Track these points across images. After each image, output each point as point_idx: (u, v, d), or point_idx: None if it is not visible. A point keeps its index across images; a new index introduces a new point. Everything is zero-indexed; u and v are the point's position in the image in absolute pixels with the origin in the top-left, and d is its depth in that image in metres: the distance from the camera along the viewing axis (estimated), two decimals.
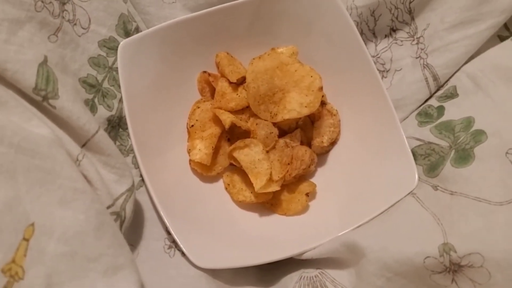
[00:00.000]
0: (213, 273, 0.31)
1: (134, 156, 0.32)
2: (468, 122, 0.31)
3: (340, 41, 0.35)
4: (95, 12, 0.32)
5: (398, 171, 0.33)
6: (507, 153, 0.27)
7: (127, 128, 0.32)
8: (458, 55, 0.34)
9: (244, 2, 0.35)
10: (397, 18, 0.37)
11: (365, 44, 0.35)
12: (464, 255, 0.25)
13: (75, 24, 0.31)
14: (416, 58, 0.36)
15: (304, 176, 0.37)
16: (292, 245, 0.32)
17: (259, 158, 0.34)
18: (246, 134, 0.36)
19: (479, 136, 0.29)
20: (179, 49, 0.35)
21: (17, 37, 0.24)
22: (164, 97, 0.35)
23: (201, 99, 0.38)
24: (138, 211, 0.32)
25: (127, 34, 0.35)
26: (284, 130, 0.37)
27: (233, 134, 0.37)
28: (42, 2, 0.27)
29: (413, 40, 0.37)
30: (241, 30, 0.36)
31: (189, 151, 0.36)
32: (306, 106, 0.34)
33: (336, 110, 0.38)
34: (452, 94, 0.34)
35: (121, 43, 0.33)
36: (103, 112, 0.32)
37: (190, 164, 0.36)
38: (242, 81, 0.37)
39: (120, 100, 0.33)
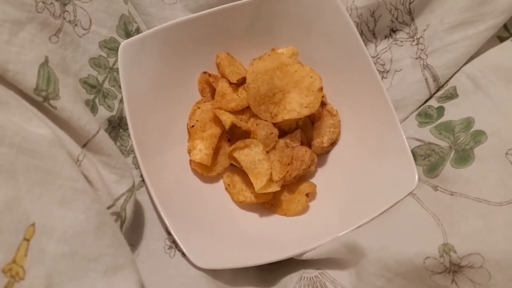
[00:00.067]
0: (213, 273, 0.31)
1: (135, 157, 0.32)
2: (468, 122, 0.31)
3: (340, 42, 0.35)
4: (96, 13, 0.33)
5: (398, 172, 0.33)
6: (507, 153, 0.27)
7: (127, 129, 0.32)
8: (458, 56, 0.34)
9: (244, 2, 0.35)
10: (397, 19, 0.37)
11: (365, 44, 0.35)
12: (464, 255, 0.25)
13: (76, 25, 0.31)
14: (416, 58, 0.36)
15: (304, 177, 0.37)
16: (292, 246, 0.32)
17: (259, 159, 0.34)
18: (246, 134, 0.36)
19: (479, 136, 0.29)
20: (179, 50, 0.35)
21: (18, 38, 0.24)
22: (165, 98, 0.35)
23: (202, 99, 0.38)
24: (138, 211, 0.32)
25: (128, 35, 0.35)
26: (284, 130, 0.37)
27: (233, 135, 0.37)
28: (43, 3, 0.27)
29: (413, 40, 0.37)
30: (241, 31, 0.36)
31: (189, 152, 0.36)
32: (306, 107, 0.34)
33: (336, 110, 0.38)
34: (452, 95, 0.34)
35: (122, 43, 0.33)
36: (103, 112, 0.32)
37: (190, 164, 0.36)
38: (242, 81, 0.37)
39: (121, 101, 0.33)
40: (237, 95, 0.36)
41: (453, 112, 0.33)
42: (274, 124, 0.36)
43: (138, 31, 0.36)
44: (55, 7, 0.28)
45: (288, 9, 0.35)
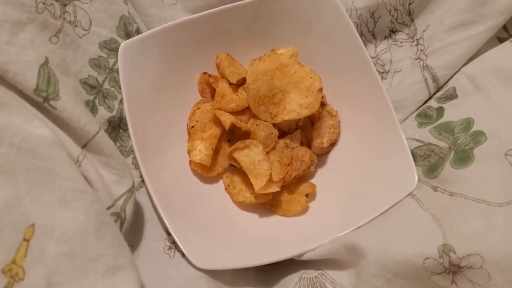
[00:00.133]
0: (213, 274, 0.31)
1: (135, 157, 0.33)
2: (468, 123, 0.31)
3: (340, 42, 0.35)
4: (96, 13, 0.33)
5: (398, 172, 0.33)
6: (506, 154, 0.27)
7: (127, 129, 0.32)
8: (457, 57, 0.34)
9: (244, 3, 0.35)
10: (396, 19, 0.37)
11: (365, 45, 0.35)
12: (463, 256, 0.25)
13: (76, 25, 0.31)
14: (416, 59, 0.36)
15: (304, 177, 0.37)
16: (292, 246, 0.32)
17: (259, 159, 0.34)
18: (246, 135, 0.36)
19: (478, 137, 0.29)
20: (179, 51, 0.35)
21: (19, 38, 0.25)
22: (165, 98, 0.35)
23: (201, 100, 0.38)
24: (138, 211, 0.32)
25: (128, 35, 0.35)
26: (284, 131, 0.37)
27: (233, 135, 0.37)
28: (44, 3, 0.27)
29: (413, 41, 0.37)
30: (241, 32, 0.36)
31: (189, 152, 0.36)
32: (306, 107, 0.34)
33: (336, 111, 0.38)
34: (452, 95, 0.34)
35: (122, 44, 0.33)
36: (103, 113, 0.32)
37: (190, 165, 0.36)
38: (242, 82, 0.37)
39: (121, 101, 0.33)
40: (237, 95, 0.36)
41: (453, 112, 0.33)
42: (274, 125, 0.36)
43: (138, 31, 0.36)
44: (55, 8, 0.28)
45: (288, 10, 0.36)
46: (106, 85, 0.33)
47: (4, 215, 0.20)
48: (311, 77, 0.34)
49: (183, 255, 0.30)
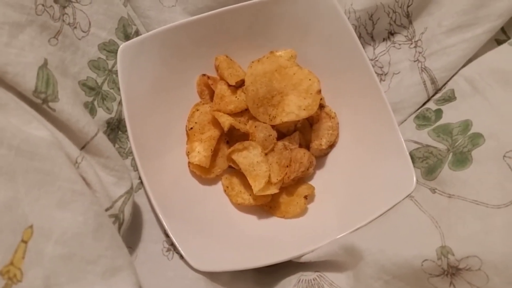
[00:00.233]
0: (212, 276, 0.30)
1: (133, 159, 0.33)
2: (466, 125, 0.31)
3: (338, 44, 0.35)
4: (95, 15, 0.33)
5: (396, 174, 0.33)
6: (504, 156, 0.27)
7: (126, 131, 0.32)
8: (455, 59, 0.34)
9: (243, 5, 0.35)
10: (395, 21, 0.37)
11: (363, 47, 0.35)
12: (462, 258, 0.25)
13: (75, 27, 0.31)
14: (414, 61, 0.36)
15: (302, 179, 0.37)
16: (291, 248, 0.32)
17: (257, 161, 0.34)
18: (245, 136, 0.36)
19: (476, 139, 0.29)
20: (178, 53, 0.35)
21: (18, 40, 0.25)
22: (163, 100, 0.35)
23: (200, 101, 0.38)
24: (136, 213, 0.32)
25: (127, 37, 0.35)
26: (282, 132, 0.37)
27: (232, 137, 0.37)
28: (43, 5, 0.27)
29: (411, 43, 0.37)
30: (240, 33, 0.37)
31: (188, 154, 0.36)
32: (304, 109, 0.34)
33: (335, 112, 0.38)
34: (450, 97, 0.34)
35: (121, 46, 0.33)
36: (102, 114, 0.32)
37: (189, 166, 0.36)
38: (241, 84, 0.37)
39: (120, 103, 0.33)
40: (236, 97, 0.36)
41: (451, 114, 0.33)
42: (273, 126, 0.36)
43: (137, 33, 0.36)
44: (55, 10, 0.28)
45: (287, 12, 0.36)
46: (105, 87, 0.33)
47: (2, 216, 0.20)
48: (310, 79, 0.34)
49: (181, 257, 0.30)
